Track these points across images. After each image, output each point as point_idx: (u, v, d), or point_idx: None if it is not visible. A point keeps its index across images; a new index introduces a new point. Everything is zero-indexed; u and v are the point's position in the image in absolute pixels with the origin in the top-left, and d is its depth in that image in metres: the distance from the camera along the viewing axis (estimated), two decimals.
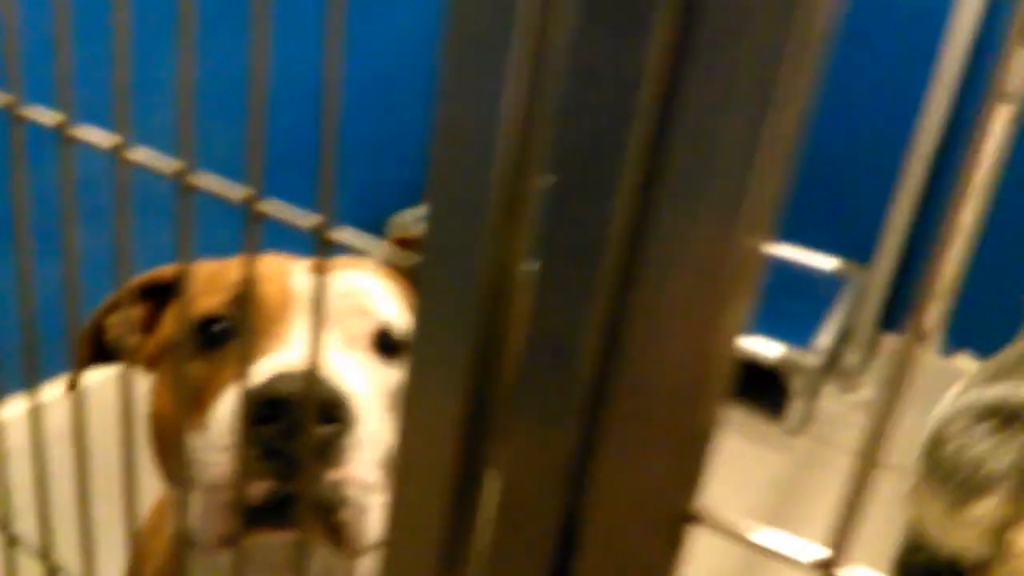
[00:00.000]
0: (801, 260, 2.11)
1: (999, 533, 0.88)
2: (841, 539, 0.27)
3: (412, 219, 1.76)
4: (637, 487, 0.28)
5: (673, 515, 0.28)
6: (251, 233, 0.33)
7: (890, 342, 2.15)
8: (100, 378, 0.57)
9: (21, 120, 0.40)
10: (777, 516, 1.62)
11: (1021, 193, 1.90)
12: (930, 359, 2.11)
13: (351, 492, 0.44)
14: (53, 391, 0.69)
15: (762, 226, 0.26)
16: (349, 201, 1.72)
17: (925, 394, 1.52)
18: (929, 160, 1.85)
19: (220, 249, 0.54)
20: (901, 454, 1.39)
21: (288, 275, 0.53)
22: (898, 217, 1.88)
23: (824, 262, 2.10)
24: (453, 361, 0.28)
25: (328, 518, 0.44)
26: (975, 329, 2.03)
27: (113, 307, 0.58)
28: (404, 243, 0.84)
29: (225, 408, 0.45)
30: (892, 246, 1.90)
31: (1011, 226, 1.99)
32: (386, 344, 0.52)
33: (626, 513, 0.28)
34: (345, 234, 0.33)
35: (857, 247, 2.06)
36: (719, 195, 0.24)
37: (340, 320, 0.51)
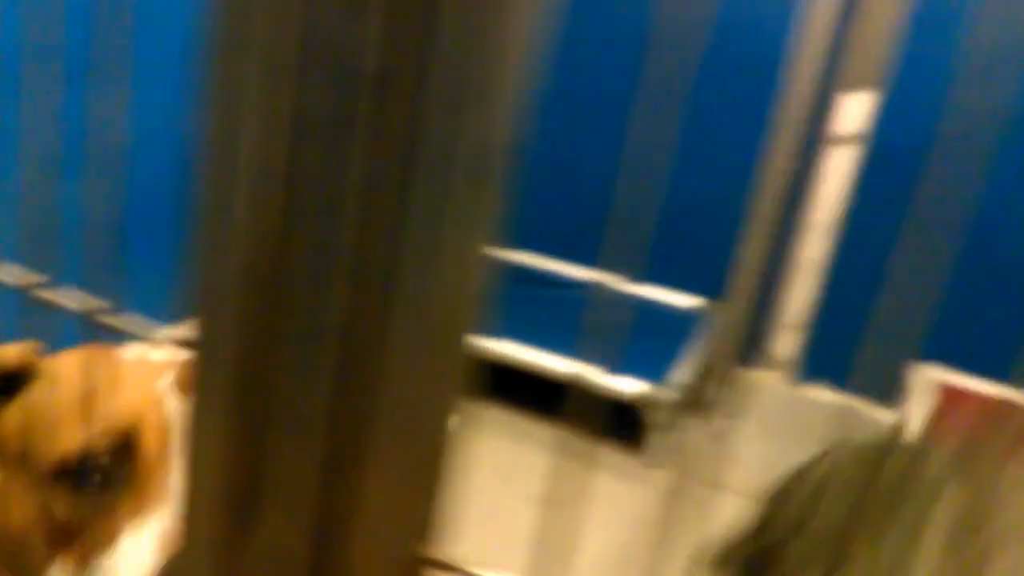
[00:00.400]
0: (661, 299, 2.32)
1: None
2: None
3: None
4: (377, 530, 0.27)
5: (408, 560, 0.28)
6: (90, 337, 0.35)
7: (746, 375, 2.40)
8: None
9: None
10: (633, 550, 1.68)
11: (871, 230, 2.13)
12: (786, 389, 2.44)
13: None
14: None
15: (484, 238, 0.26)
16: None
17: (782, 422, 2.39)
18: (776, 201, 2.00)
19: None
20: (749, 481, 1.65)
21: (159, 401, 0.49)
22: (750, 255, 2.03)
23: (683, 300, 2.35)
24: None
25: None
26: (831, 361, 2.34)
27: None
28: None
29: (129, 568, 0.43)
30: (746, 283, 2.07)
31: (863, 261, 2.17)
32: None
33: (367, 556, 0.27)
34: (124, 320, 0.33)
35: (715, 285, 2.21)
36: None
37: None
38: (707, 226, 2.29)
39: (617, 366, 1.99)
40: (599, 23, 2.43)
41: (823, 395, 2.50)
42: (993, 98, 2.16)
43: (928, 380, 2.33)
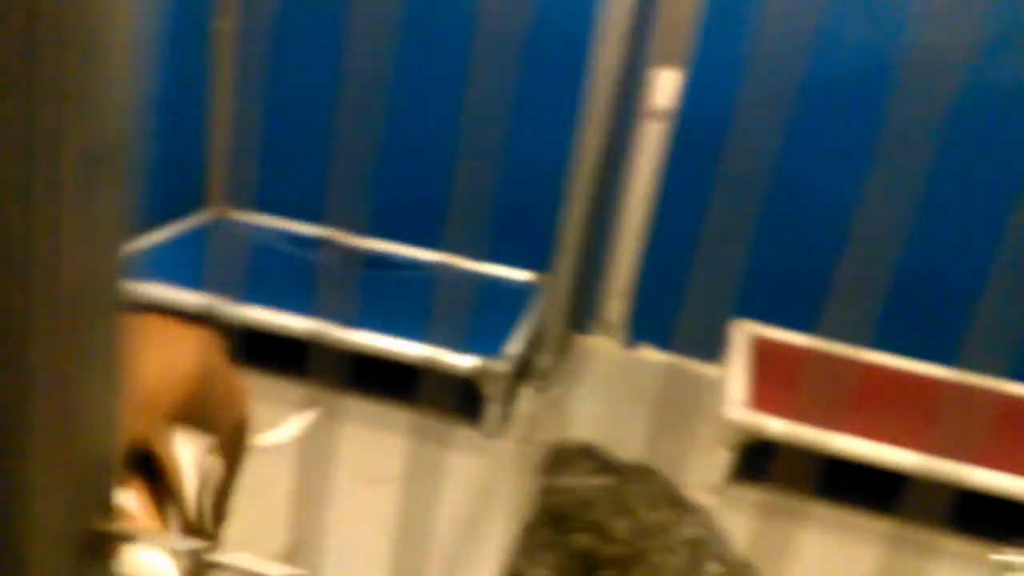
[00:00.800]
0: (493, 274, 2.44)
1: None
2: None
3: None
4: (47, 510, 0.27)
5: (85, 535, 0.28)
6: None
7: (580, 341, 2.55)
8: None
9: None
10: (476, 517, 1.72)
11: (684, 198, 2.33)
12: (617, 351, 2.58)
13: None
14: None
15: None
16: None
17: (615, 384, 2.52)
18: (592, 174, 2.07)
19: None
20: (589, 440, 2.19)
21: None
22: (573, 228, 2.11)
23: (514, 275, 2.46)
24: None
25: None
26: (657, 323, 2.52)
27: None
28: None
29: None
30: (570, 255, 2.15)
31: (679, 227, 2.35)
32: None
33: (39, 534, 0.27)
34: None
35: (543, 259, 2.32)
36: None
37: None
38: (533, 203, 2.39)
39: (457, 344, 2.06)
40: (431, 11, 2.49)
41: (652, 356, 2.65)
42: (789, 70, 2.35)
43: (746, 335, 2.50)
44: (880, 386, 2.42)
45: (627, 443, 2.28)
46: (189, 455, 0.79)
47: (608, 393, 2.52)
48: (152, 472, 0.76)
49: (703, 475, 2.12)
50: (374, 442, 2.12)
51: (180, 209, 2.73)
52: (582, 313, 2.62)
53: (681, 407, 2.49)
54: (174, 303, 2.23)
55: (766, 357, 2.39)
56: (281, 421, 2.05)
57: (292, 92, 2.62)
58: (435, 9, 2.50)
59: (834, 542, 2.02)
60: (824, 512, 2.11)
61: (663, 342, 2.63)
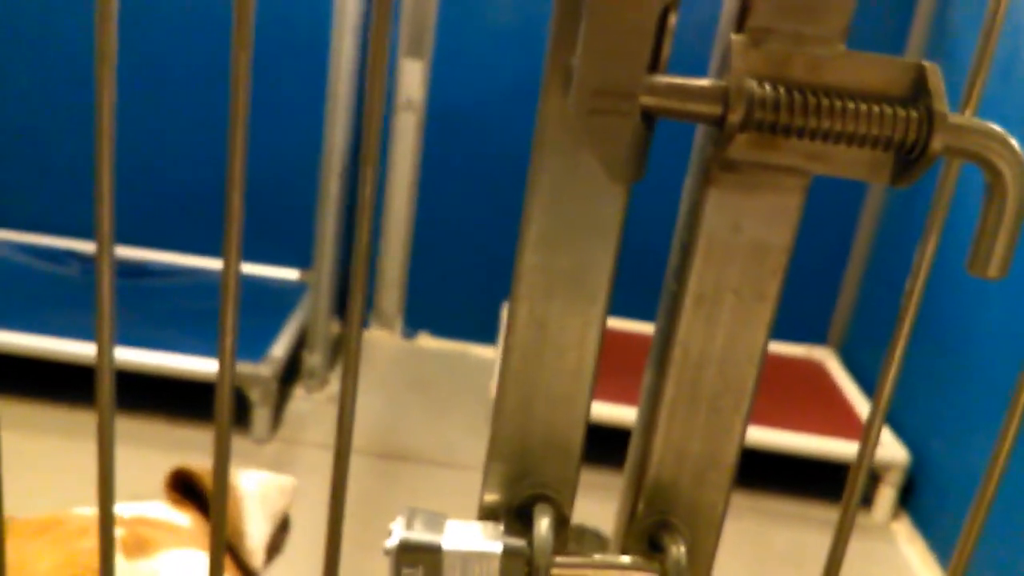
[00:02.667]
0: (254, 275, 2.43)
1: None
2: None
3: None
4: None
5: None
6: None
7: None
8: None
9: None
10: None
11: (442, 186, 2.45)
12: (395, 342, 2.65)
13: None
14: None
15: None
16: None
17: (395, 375, 2.58)
18: (343, 169, 2.14)
19: None
20: (368, 437, 2.36)
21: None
22: (331, 222, 2.16)
23: (276, 273, 2.49)
24: None
25: None
26: (428, 312, 2.64)
27: None
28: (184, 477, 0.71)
29: None
30: (330, 250, 2.18)
31: (441, 216, 2.49)
32: None
33: None
34: None
35: (306, 256, 2.34)
36: None
37: None
38: (292, 200, 2.50)
39: (214, 349, 2.06)
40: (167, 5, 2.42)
41: (430, 343, 2.71)
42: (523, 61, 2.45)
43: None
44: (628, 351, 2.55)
45: (406, 432, 2.33)
46: (254, 486, 0.74)
47: (386, 384, 2.55)
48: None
49: (478, 455, 2.17)
50: (135, 460, 2.05)
51: None
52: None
53: (457, 391, 2.54)
54: None
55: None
56: (33, 448, 1.95)
57: (15, 97, 2.47)
58: (172, 5, 2.43)
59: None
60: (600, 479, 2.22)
61: (440, 329, 2.68)
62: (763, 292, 0.36)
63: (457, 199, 2.55)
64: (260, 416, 2.12)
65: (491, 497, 0.40)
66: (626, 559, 0.39)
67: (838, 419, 2.31)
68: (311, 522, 1.98)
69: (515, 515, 0.39)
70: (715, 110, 0.33)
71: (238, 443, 2.12)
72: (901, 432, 2.24)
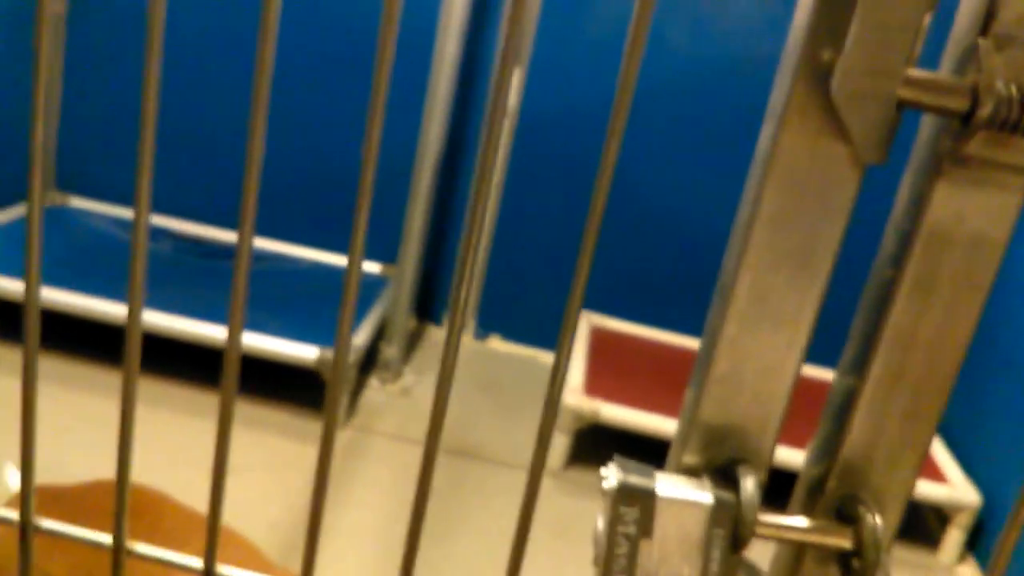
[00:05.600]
0: (339, 265, 2.49)
1: None
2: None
3: None
4: None
5: None
6: None
7: (430, 332, 2.62)
8: None
9: None
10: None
11: (527, 194, 2.47)
12: (467, 342, 2.67)
13: None
14: None
15: None
16: None
17: (464, 374, 2.64)
18: (435, 168, 2.14)
19: None
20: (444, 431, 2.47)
21: None
22: (416, 221, 2.19)
23: (365, 267, 2.24)
24: None
25: None
26: (501, 315, 2.64)
27: None
28: None
29: None
30: (415, 247, 2.22)
31: (524, 223, 2.49)
32: None
33: None
34: None
35: (391, 251, 2.35)
36: None
37: None
38: (382, 195, 2.45)
39: (299, 333, 2.11)
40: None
41: (501, 346, 2.74)
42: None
43: (586, 325, 2.61)
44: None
45: (474, 431, 2.36)
46: None
47: (457, 382, 2.57)
48: None
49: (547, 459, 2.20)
50: (201, 430, 2.11)
51: (10, 197, 2.63)
52: (433, 305, 2.70)
53: (526, 395, 2.57)
54: (10, 293, 2.16)
55: (602, 346, 2.50)
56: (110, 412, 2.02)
57: (125, 78, 2.57)
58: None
59: None
60: None
61: (511, 333, 2.71)
62: (978, 282, 0.39)
63: (540, 207, 2.58)
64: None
65: (691, 458, 0.43)
66: (823, 523, 0.41)
67: None
68: (381, 507, 2.02)
69: (716, 475, 0.42)
70: (963, 105, 0.35)
71: (313, 427, 2.17)
72: (972, 473, 2.21)
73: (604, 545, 0.39)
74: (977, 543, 2.19)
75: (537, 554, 1.91)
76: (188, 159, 2.69)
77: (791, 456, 2.16)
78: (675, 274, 2.69)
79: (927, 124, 0.39)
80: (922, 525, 2.32)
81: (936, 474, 2.20)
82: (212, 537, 0.44)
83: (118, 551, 0.46)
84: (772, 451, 0.42)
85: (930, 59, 0.40)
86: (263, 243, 2.72)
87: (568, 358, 0.43)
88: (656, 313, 2.70)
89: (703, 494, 0.39)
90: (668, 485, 0.40)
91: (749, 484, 0.40)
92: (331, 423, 0.43)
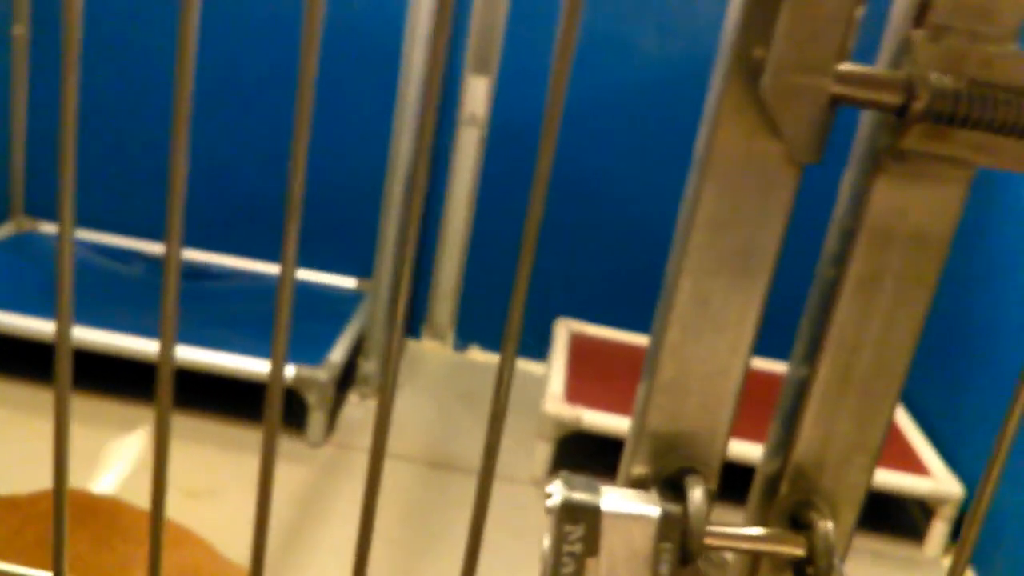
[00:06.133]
0: (313, 282, 2.48)
1: None
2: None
3: None
4: None
5: None
6: None
7: (408, 346, 2.68)
8: None
9: None
10: (299, 527, 1.76)
11: (500, 201, 2.49)
12: (446, 354, 2.69)
13: None
14: None
15: None
16: None
17: (444, 386, 2.64)
18: (406, 181, 2.16)
19: None
20: (419, 446, 2.45)
21: None
22: (390, 233, 2.20)
23: (335, 281, 2.53)
24: None
25: None
26: (481, 326, 2.66)
27: None
28: None
29: None
30: (389, 260, 2.22)
31: (498, 232, 2.48)
32: None
33: None
34: None
35: (366, 265, 2.38)
36: None
37: None
38: (354, 210, 2.48)
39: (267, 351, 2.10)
40: (248, 13, 2.48)
41: (481, 357, 2.73)
42: (589, 79, 2.48)
43: (566, 332, 2.60)
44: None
45: (454, 442, 2.34)
46: None
47: (437, 395, 2.57)
48: None
49: (527, 468, 2.19)
50: (192, 456, 2.08)
51: None
52: (410, 318, 2.70)
53: (506, 404, 2.54)
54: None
55: (583, 353, 2.49)
56: (102, 442, 1.99)
57: (96, 99, 2.55)
58: (250, 12, 2.49)
59: None
60: None
61: (491, 343, 2.70)
62: (923, 278, 0.38)
63: (515, 215, 2.57)
64: (316, 420, 2.14)
65: (639, 469, 0.42)
66: (775, 532, 0.40)
67: (887, 448, 2.29)
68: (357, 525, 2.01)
69: (664, 486, 0.41)
70: (898, 99, 0.34)
71: (293, 446, 2.15)
72: (955, 466, 2.21)
73: (550, 565, 0.38)
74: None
75: (520, 562, 1.87)
76: (156, 180, 2.66)
77: (749, 450, 2.18)
78: (654, 278, 2.67)
79: (865, 120, 0.38)
80: (906, 518, 2.32)
81: (919, 467, 2.20)
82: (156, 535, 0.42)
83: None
84: (722, 458, 0.41)
85: (869, 54, 0.39)
86: (232, 261, 2.70)
87: (512, 364, 0.41)
88: (636, 317, 2.69)
89: (650, 507, 0.38)
90: (614, 500, 0.39)
91: (697, 495, 0.39)
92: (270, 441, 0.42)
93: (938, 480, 2.17)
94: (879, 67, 0.36)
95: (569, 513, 0.37)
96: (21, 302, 2.22)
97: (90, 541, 0.67)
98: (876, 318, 0.38)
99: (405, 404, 2.49)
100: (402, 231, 2.35)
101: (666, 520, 0.38)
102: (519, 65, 2.52)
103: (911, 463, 2.21)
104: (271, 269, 2.62)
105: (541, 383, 2.60)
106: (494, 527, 1.78)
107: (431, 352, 2.81)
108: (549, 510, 0.38)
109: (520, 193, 2.62)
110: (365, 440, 2.28)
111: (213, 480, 1.98)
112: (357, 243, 2.54)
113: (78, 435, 2.06)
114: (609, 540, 0.38)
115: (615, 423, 2.19)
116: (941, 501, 2.15)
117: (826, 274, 0.40)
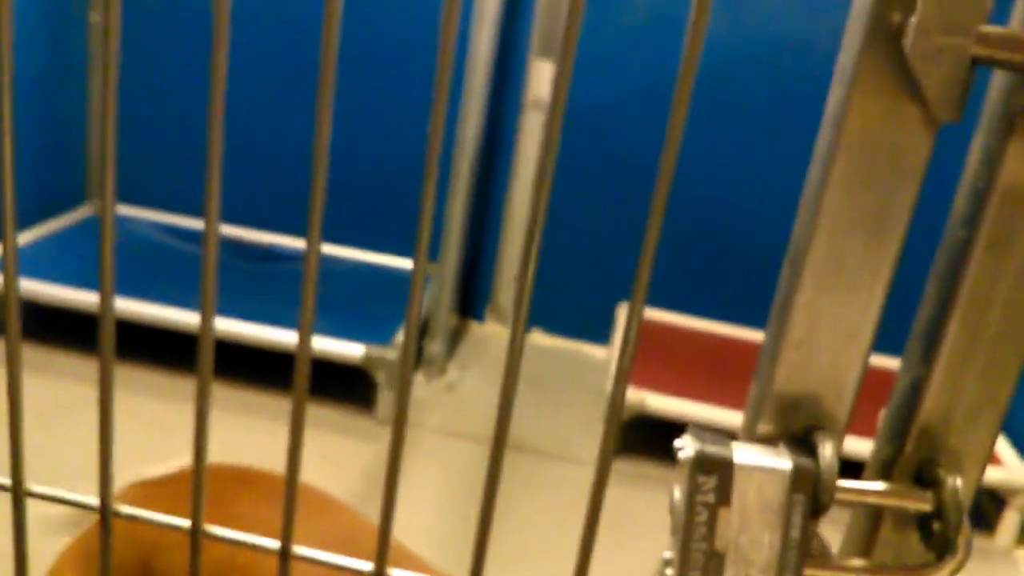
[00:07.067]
0: (380, 263, 2.52)
1: None
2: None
3: None
4: None
5: None
6: None
7: (473, 328, 2.66)
8: None
9: None
10: (367, 500, 1.71)
11: (567, 185, 2.34)
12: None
13: None
14: None
15: None
16: None
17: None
18: (472, 164, 2.18)
19: None
20: (484, 427, 2.48)
21: None
22: (457, 215, 2.23)
23: (401, 263, 2.56)
24: None
25: None
26: (543, 309, 2.64)
27: None
28: None
29: None
30: (455, 243, 2.25)
31: (564, 216, 2.39)
32: None
33: None
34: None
35: (434, 248, 2.30)
36: None
37: None
38: (417, 192, 2.46)
39: (344, 332, 2.13)
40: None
41: (544, 340, 2.74)
42: (658, 63, 2.47)
43: (625, 316, 2.60)
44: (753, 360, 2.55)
45: (520, 425, 2.36)
46: None
47: (498, 377, 2.58)
48: None
49: (591, 451, 2.20)
50: (270, 433, 2.14)
51: (60, 205, 2.68)
52: (475, 301, 2.74)
53: (570, 388, 2.57)
54: (56, 301, 2.21)
55: (646, 337, 2.49)
56: (175, 418, 2.05)
57: (167, 84, 2.61)
58: None
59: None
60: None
61: (554, 327, 2.71)
62: None
63: (580, 199, 2.58)
64: (385, 398, 2.18)
65: (766, 427, 0.43)
66: (901, 487, 0.41)
67: None
68: (432, 502, 2.03)
69: (791, 443, 0.42)
70: None
71: (362, 424, 2.19)
72: None
73: (683, 514, 0.39)
74: None
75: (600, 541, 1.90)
76: (230, 162, 2.71)
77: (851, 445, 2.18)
78: (717, 263, 2.66)
79: (998, 80, 0.39)
80: (976, 509, 2.29)
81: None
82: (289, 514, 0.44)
83: (196, 534, 0.47)
84: (848, 417, 0.42)
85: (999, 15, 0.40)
86: (300, 242, 2.74)
87: (631, 355, 0.43)
88: (698, 302, 2.68)
89: (781, 461, 0.39)
90: (745, 453, 0.40)
91: (827, 450, 0.40)
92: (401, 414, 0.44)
93: (1009, 469, 2.14)
94: (1015, 28, 0.36)
95: (702, 464, 0.39)
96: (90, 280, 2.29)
97: (252, 503, 0.70)
98: (1007, 278, 0.39)
99: (470, 386, 2.52)
100: (467, 216, 2.37)
101: (798, 473, 0.39)
102: (582, 49, 2.51)
103: None
104: (340, 251, 2.66)
105: (604, 367, 2.61)
106: (558, 508, 1.76)
107: (494, 335, 2.84)
108: (681, 462, 0.39)
109: (585, 175, 2.62)
110: (429, 419, 2.31)
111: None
112: (410, 226, 2.59)
113: (156, 411, 2.12)
114: (742, 491, 0.39)
115: (678, 406, 2.19)
116: (1012, 491, 2.12)
117: (957, 235, 0.40)
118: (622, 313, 2.64)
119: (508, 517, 1.98)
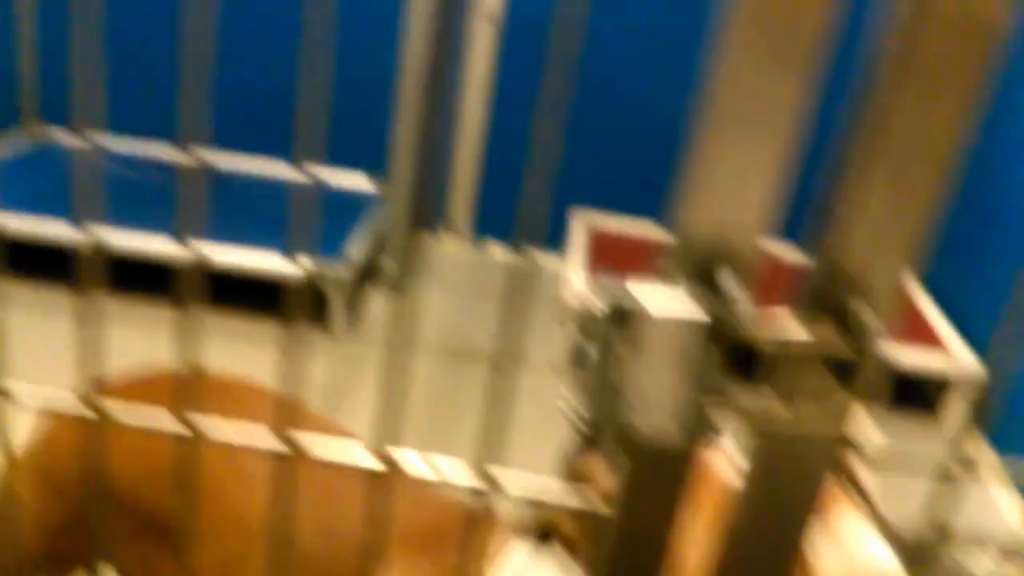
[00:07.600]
0: (330, 179, 2.47)
1: None
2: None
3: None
4: None
5: None
6: None
7: (426, 241, 2.60)
8: None
9: None
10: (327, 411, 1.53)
11: (516, 94, 2.48)
12: (464, 249, 2.68)
13: None
14: None
15: None
16: None
17: (462, 281, 2.63)
18: (422, 78, 2.09)
19: None
20: (439, 337, 2.53)
21: None
22: (407, 129, 2.13)
23: (351, 179, 2.50)
24: None
25: None
26: (498, 220, 2.64)
27: None
28: None
29: None
30: (407, 156, 2.16)
31: (514, 127, 2.48)
32: None
33: None
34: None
35: (376, 161, 2.42)
36: None
37: None
38: (369, 108, 2.48)
39: (296, 250, 2.09)
40: None
41: (498, 251, 2.73)
42: None
43: (583, 224, 2.59)
44: None
45: (475, 336, 2.36)
46: None
47: (457, 290, 2.58)
48: None
49: (546, 357, 2.21)
50: (228, 352, 2.12)
51: None
52: (428, 214, 2.70)
53: (526, 297, 2.55)
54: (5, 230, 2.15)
55: (600, 244, 2.49)
56: (144, 345, 2.01)
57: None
58: None
59: None
60: None
61: (508, 237, 2.70)
62: (973, 68, 0.37)
63: (532, 108, 2.53)
64: (337, 315, 2.15)
65: (676, 267, 0.42)
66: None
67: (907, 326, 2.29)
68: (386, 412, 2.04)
69: (701, 281, 0.41)
70: None
71: (317, 339, 2.16)
72: (977, 346, 2.22)
73: (596, 367, 0.39)
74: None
75: (545, 443, 1.89)
76: (162, 80, 2.62)
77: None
78: (663, 165, 2.64)
79: None
80: (921, 393, 2.33)
81: (935, 342, 2.21)
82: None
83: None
84: (756, 253, 0.42)
85: None
86: (250, 162, 2.69)
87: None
88: (650, 205, 2.68)
89: (687, 302, 0.39)
90: (658, 301, 0.39)
91: (732, 286, 0.39)
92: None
93: (954, 357, 2.18)
94: None
95: (614, 318, 0.38)
96: (36, 207, 2.22)
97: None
98: (913, 101, 0.38)
99: (424, 299, 2.50)
100: (419, 128, 2.30)
101: (704, 312, 0.38)
102: None
103: (928, 338, 2.22)
104: (278, 168, 2.59)
105: (556, 274, 2.61)
106: (516, 413, 1.74)
107: (448, 248, 2.81)
108: (588, 315, 0.39)
109: (536, 85, 2.57)
110: (388, 333, 2.28)
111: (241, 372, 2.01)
112: (373, 141, 2.49)
113: (122, 339, 2.08)
114: (649, 336, 0.38)
115: None
116: (958, 377, 2.17)
117: (869, 61, 0.39)
118: (575, 220, 2.63)
119: (463, 423, 2.00)
